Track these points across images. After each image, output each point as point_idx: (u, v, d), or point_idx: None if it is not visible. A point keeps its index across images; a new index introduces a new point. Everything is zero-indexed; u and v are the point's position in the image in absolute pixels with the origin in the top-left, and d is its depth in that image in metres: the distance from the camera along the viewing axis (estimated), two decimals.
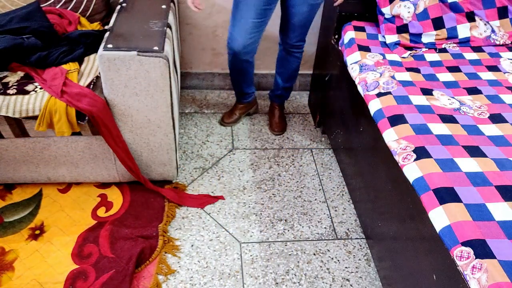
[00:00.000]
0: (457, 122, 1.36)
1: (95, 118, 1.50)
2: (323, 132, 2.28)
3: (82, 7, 1.83)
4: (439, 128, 1.32)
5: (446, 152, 1.22)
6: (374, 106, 1.48)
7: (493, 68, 1.66)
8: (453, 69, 1.65)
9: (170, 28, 1.67)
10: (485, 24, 1.79)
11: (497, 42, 1.80)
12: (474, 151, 1.23)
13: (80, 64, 1.64)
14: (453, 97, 1.48)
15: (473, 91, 1.52)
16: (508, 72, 1.63)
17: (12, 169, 1.71)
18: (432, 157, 1.20)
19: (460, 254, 0.97)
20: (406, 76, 1.58)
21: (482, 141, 1.28)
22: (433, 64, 1.68)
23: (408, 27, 1.75)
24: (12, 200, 1.75)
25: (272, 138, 2.24)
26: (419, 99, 1.45)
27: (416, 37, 1.77)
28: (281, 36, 1.99)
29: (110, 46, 1.45)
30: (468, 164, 1.18)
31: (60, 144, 1.65)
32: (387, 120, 1.39)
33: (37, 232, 1.63)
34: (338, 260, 1.65)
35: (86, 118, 1.51)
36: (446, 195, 1.09)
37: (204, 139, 2.19)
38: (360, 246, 1.71)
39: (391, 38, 1.77)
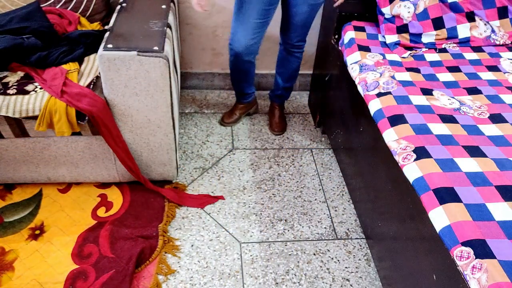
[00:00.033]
0: (457, 122, 1.36)
1: (95, 118, 1.50)
2: (323, 132, 2.28)
3: (82, 7, 1.83)
4: (439, 128, 1.32)
5: (446, 152, 1.22)
6: (374, 106, 1.48)
7: (493, 68, 1.66)
8: (453, 69, 1.65)
9: (170, 28, 1.67)
10: (485, 24, 1.79)
11: (497, 42, 1.80)
12: (474, 151, 1.23)
13: (80, 64, 1.64)
14: (453, 97, 1.48)
15: (473, 91, 1.52)
16: (508, 72, 1.63)
17: (12, 169, 1.71)
18: (432, 157, 1.20)
19: (460, 254, 0.97)
20: (406, 76, 1.58)
21: (482, 141, 1.28)
22: (433, 64, 1.68)
23: (408, 27, 1.75)
24: (12, 200, 1.75)
25: (272, 138, 2.24)
26: (419, 99, 1.45)
27: (416, 37, 1.77)
28: (282, 36, 1.99)
29: (110, 46, 1.45)
30: (468, 164, 1.18)
31: (60, 144, 1.65)
32: (387, 120, 1.39)
33: (37, 232, 1.63)
34: (338, 260, 1.65)
35: (86, 118, 1.51)
36: (446, 195, 1.09)
37: (204, 139, 2.19)
38: (360, 246, 1.71)
39: (391, 38, 1.77)
